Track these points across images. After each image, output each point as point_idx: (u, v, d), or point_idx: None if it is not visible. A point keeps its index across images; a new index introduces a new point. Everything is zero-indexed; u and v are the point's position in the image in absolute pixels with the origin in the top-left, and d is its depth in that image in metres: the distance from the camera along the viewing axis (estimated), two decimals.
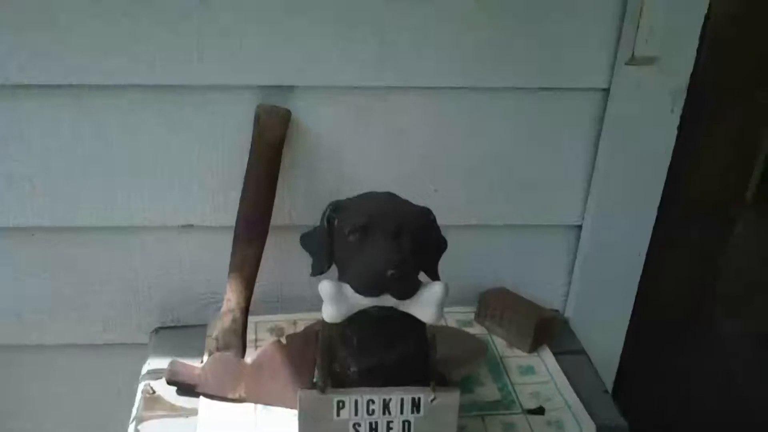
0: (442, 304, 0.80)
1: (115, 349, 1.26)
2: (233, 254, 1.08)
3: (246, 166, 1.08)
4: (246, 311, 1.08)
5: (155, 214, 1.15)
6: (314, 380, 0.96)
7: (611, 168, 1.19)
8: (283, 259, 1.18)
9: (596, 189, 1.22)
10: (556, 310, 1.32)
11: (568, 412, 1.07)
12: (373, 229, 0.80)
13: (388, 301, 0.78)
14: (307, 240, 0.89)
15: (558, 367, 1.17)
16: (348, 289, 0.78)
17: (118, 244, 1.18)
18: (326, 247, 0.84)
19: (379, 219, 0.80)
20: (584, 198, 1.24)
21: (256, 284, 1.10)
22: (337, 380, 0.87)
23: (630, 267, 1.29)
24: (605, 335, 1.34)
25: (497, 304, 1.23)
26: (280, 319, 1.23)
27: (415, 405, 0.84)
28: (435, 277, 0.87)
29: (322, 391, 0.82)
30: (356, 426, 0.84)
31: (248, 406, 1.04)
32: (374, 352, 0.85)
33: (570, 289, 1.32)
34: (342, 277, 0.83)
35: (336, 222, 0.84)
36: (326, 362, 0.85)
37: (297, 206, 1.16)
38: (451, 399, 0.84)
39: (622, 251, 1.27)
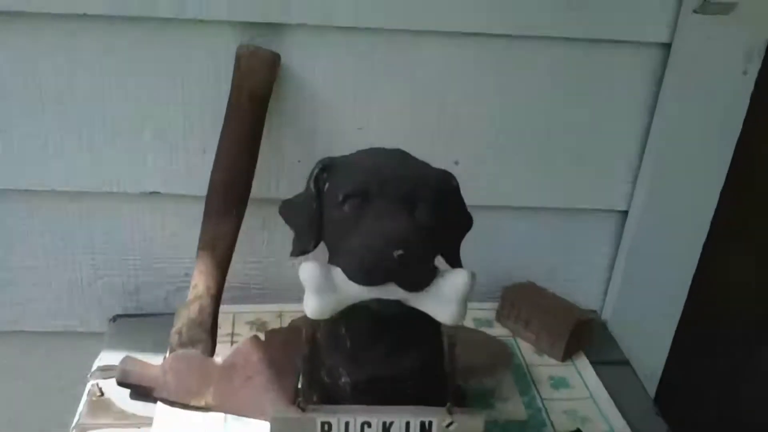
0: (466, 300, 0.59)
1: (67, 338, 1.06)
2: (203, 230, 0.88)
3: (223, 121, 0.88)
4: (217, 299, 0.87)
5: (114, 177, 0.95)
6: (298, 388, 0.76)
7: (667, 142, 0.99)
8: (267, 237, 0.98)
9: (647, 168, 1.01)
10: (594, 311, 1.11)
11: None
12: (376, 196, 0.59)
13: (393, 293, 0.58)
14: (289, 209, 0.68)
15: (598, 380, 0.96)
16: (339, 274, 0.58)
17: (68, 212, 0.98)
18: (312, 218, 0.64)
19: (384, 182, 0.60)
20: (633, 178, 1.04)
21: (234, 267, 0.90)
22: (324, 394, 0.67)
23: (682, 263, 1.09)
24: (647, 343, 1.13)
25: (524, 302, 1.02)
26: (263, 310, 1.03)
27: (426, 430, 0.63)
28: (456, 263, 0.66)
29: (303, 408, 0.62)
30: None
31: (216, 417, 0.84)
32: (373, 359, 0.65)
33: (609, 287, 1.11)
34: (332, 259, 0.63)
35: (327, 186, 0.64)
36: (311, 370, 0.64)
37: (285, 174, 0.96)
38: (473, 425, 0.64)
39: (673, 244, 1.07)
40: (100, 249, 1.01)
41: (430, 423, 0.63)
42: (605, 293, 1.12)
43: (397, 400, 0.64)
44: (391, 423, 0.63)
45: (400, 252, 0.55)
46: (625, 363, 1.02)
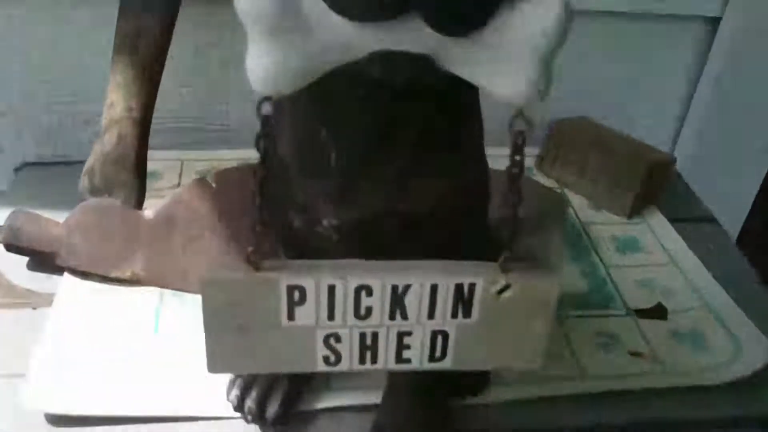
0: (552, 58, 0.31)
1: None
2: (118, 26, 0.60)
3: None
4: (143, 125, 0.60)
5: None
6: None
7: None
8: (233, 41, 0.70)
9: None
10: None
11: (708, 317, 0.62)
12: None
13: (416, 39, 0.30)
14: None
15: (680, 241, 0.71)
16: (314, 2, 0.30)
17: None
18: None
19: None
20: None
21: (183, 94, 0.62)
22: (294, 248, 0.41)
23: None
24: (726, 199, 0.86)
25: (578, 142, 0.75)
26: (226, 157, 0.76)
27: (463, 299, 0.37)
28: None
29: (256, 265, 0.36)
30: (331, 340, 0.38)
31: (146, 295, 0.59)
32: (377, 185, 0.38)
33: (685, 124, 0.83)
34: None
35: None
36: (266, 203, 0.37)
37: None
38: (541, 291, 0.38)
39: None
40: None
41: (472, 287, 0.37)
42: (678, 131, 0.85)
43: (409, 254, 0.37)
44: (406, 287, 0.37)
45: None
46: (711, 220, 0.76)
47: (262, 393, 0.48)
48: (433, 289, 0.37)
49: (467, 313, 0.38)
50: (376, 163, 0.38)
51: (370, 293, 0.37)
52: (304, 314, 0.37)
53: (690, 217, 0.75)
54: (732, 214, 0.89)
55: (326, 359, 0.39)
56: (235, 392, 0.49)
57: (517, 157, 0.33)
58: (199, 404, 0.50)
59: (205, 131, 0.78)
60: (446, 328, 0.39)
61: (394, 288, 0.37)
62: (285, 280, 0.36)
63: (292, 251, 0.45)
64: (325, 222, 0.40)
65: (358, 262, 0.37)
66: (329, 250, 0.41)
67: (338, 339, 0.39)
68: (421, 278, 0.37)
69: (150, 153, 0.75)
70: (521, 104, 0.32)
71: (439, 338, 0.39)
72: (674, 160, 0.74)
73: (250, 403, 0.48)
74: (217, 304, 0.37)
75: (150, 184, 0.71)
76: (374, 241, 0.39)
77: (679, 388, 0.55)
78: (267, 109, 0.33)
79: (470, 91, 0.34)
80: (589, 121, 0.78)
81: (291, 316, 0.37)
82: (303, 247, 0.43)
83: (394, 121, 0.36)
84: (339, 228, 0.40)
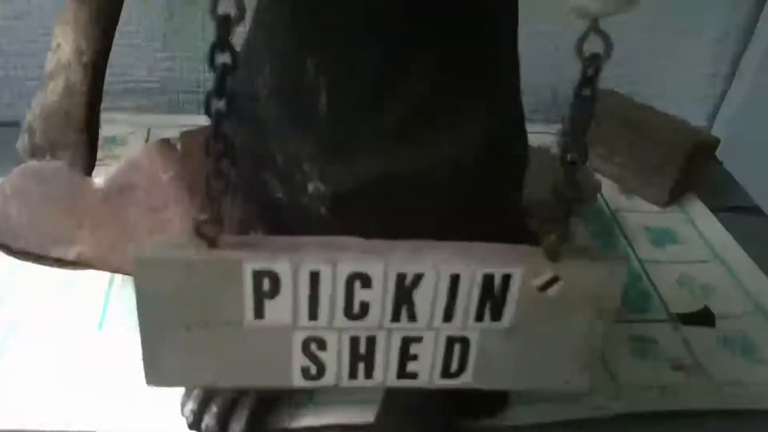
0: None
1: None
2: None
3: None
4: (97, 72, 0.50)
5: None
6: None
7: None
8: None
9: None
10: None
11: (764, 324, 0.52)
12: None
13: None
14: None
15: (726, 234, 0.61)
16: None
17: None
18: None
19: None
20: None
21: (154, 53, 0.52)
22: (276, 223, 0.32)
23: None
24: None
25: (606, 118, 0.65)
26: (200, 123, 0.65)
27: (492, 296, 0.27)
28: None
29: (211, 242, 0.26)
30: (312, 346, 0.28)
31: (92, 280, 0.49)
32: (380, 132, 0.28)
33: (725, 101, 0.74)
34: None
35: None
36: (221, 157, 0.27)
37: None
38: (606, 283, 0.28)
39: None
40: None
41: (506, 280, 0.27)
42: (716, 108, 0.75)
43: (420, 233, 0.27)
44: (417, 277, 0.27)
45: None
46: (756, 210, 0.66)
47: (225, 408, 0.39)
48: (453, 280, 0.27)
49: (497, 315, 0.28)
50: (379, 109, 0.28)
51: (367, 284, 0.27)
52: (277, 310, 0.27)
53: (732, 206, 0.65)
54: None
55: (305, 372, 0.29)
56: (191, 406, 0.39)
57: (587, 92, 0.23)
58: (146, 420, 0.40)
59: (177, 94, 0.68)
60: (467, 334, 0.29)
61: (400, 278, 0.27)
62: (251, 263, 0.26)
63: (274, 232, 0.35)
64: (311, 189, 0.30)
65: (352, 240, 0.27)
66: (318, 228, 0.31)
67: (322, 345, 0.29)
68: (436, 265, 0.27)
69: (112, 116, 0.65)
70: (597, 14, 0.22)
71: (457, 347, 0.29)
72: (718, 142, 0.64)
73: (209, 420, 0.38)
74: (155, 294, 0.27)
75: (111, 150, 0.62)
76: (374, 214, 0.29)
77: (732, 411, 0.46)
78: (224, 59, 0.23)
79: (505, 13, 0.25)
80: (619, 95, 0.68)
81: (259, 313, 0.27)
82: (287, 224, 0.33)
83: (404, 49, 0.26)
84: (329, 197, 0.30)
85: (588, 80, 0.23)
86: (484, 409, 0.42)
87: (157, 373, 0.29)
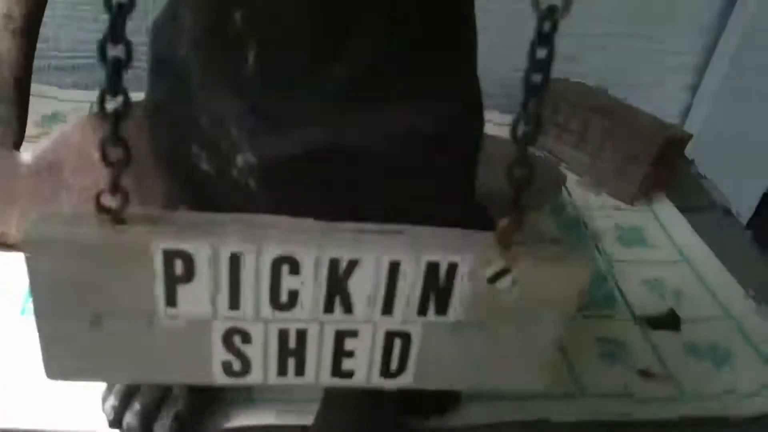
0: None
1: None
2: None
3: None
4: (28, 39, 0.46)
5: None
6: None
7: None
8: None
9: None
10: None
11: (730, 330, 0.50)
12: None
13: None
14: None
15: (695, 235, 0.59)
16: None
17: None
18: None
19: None
20: None
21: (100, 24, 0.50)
22: (202, 200, 0.28)
23: None
24: (739, 180, 0.75)
25: (574, 108, 0.63)
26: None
27: (437, 287, 0.24)
28: None
29: (115, 218, 0.22)
30: (235, 339, 0.25)
31: (17, 262, 0.44)
32: (316, 95, 0.25)
33: (697, 95, 0.72)
34: None
35: None
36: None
37: None
38: (566, 277, 0.25)
39: None
40: None
41: (453, 269, 0.24)
42: (689, 105, 0.73)
43: (358, 214, 0.24)
44: (352, 264, 0.24)
45: None
46: (725, 210, 0.64)
47: (150, 404, 0.35)
48: (393, 268, 0.24)
49: (442, 309, 0.25)
50: (317, 71, 0.25)
51: (295, 270, 0.24)
52: (193, 298, 0.24)
53: (700, 205, 0.63)
54: (742, 203, 0.77)
55: (227, 367, 0.26)
56: (112, 402, 0.35)
57: (542, 53, 0.20)
58: (64, 415, 0.36)
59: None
60: (409, 329, 0.26)
61: (333, 263, 0.24)
62: (161, 242, 0.23)
63: (198, 209, 0.31)
64: (239, 161, 0.27)
65: (280, 219, 0.24)
66: (247, 206, 0.28)
67: (246, 338, 0.26)
68: (375, 250, 0.24)
69: (55, 91, 0.62)
70: None
71: (398, 343, 0.26)
72: (690, 137, 0.62)
73: (130, 418, 0.35)
74: (51, 278, 0.23)
75: (51, 127, 0.58)
76: (309, 191, 0.26)
77: (698, 418, 0.43)
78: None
79: None
80: (587, 87, 0.66)
81: (171, 301, 0.24)
82: (213, 201, 0.29)
83: (350, 2, 0.23)
84: (258, 168, 0.27)
85: (544, 37, 0.20)
86: (433, 407, 0.39)
87: (57, 366, 0.26)
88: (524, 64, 0.20)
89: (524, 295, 0.25)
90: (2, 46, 0.45)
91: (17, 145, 0.46)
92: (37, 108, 0.59)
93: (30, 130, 0.55)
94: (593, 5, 0.66)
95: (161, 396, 0.35)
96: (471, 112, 0.29)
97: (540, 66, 0.20)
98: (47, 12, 0.51)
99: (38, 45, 0.59)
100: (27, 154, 0.45)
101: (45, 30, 0.63)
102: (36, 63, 0.60)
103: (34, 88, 0.58)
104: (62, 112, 0.60)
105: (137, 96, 0.58)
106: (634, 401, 0.43)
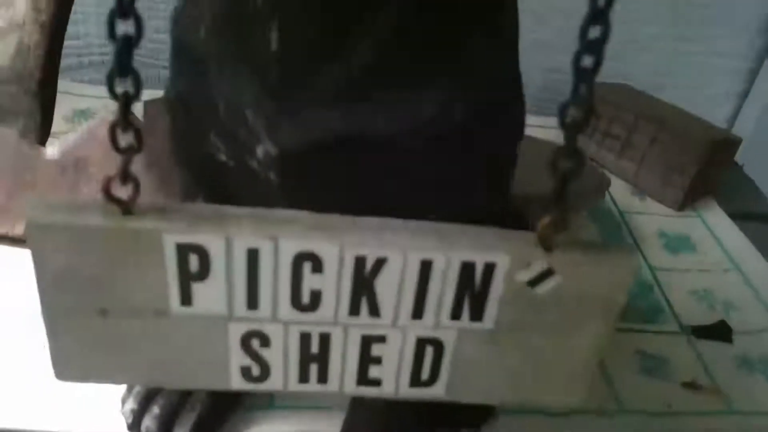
0: None
1: None
2: None
3: None
4: (56, 33, 0.45)
5: None
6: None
7: None
8: None
9: None
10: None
11: None
12: None
13: None
14: None
15: (747, 242, 0.56)
16: None
17: None
18: None
19: None
20: None
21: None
22: (222, 193, 0.26)
23: None
24: None
25: (619, 113, 0.60)
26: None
27: (472, 289, 0.22)
28: None
29: (124, 208, 0.21)
30: (253, 342, 0.23)
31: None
32: (342, 80, 0.23)
33: (747, 99, 0.69)
34: None
35: None
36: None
37: None
38: (610, 279, 0.23)
39: None
40: None
41: (489, 270, 0.22)
42: (738, 109, 0.70)
43: (388, 209, 0.22)
44: (380, 262, 0.22)
45: None
46: None
47: (169, 408, 0.34)
48: (424, 267, 0.22)
49: (477, 313, 0.23)
50: (343, 51, 0.23)
51: (318, 268, 0.22)
52: (208, 296, 0.23)
53: (750, 212, 0.60)
54: None
55: (246, 372, 0.24)
56: (131, 405, 0.34)
57: (595, 32, 0.18)
58: (83, 418, 0.35)
59: (156, 67, 0.63)
60: (440, 336, 0.24)
61: (359, 262, 0.22)
62: (174, 235, 0.21)
63: (216, 202, 0.30)
64: (259, 152, 0.25)
65: (301, 214, 0.22)
66: (267, 200, 0.26)
67: (265, 341, 0.24)
68: (404, 248, 0.22)
69: (87, 88, 0.61)
70: None
71: (429, 351, 0.24)
72: (740, 141, 0.59)
73: (149, 421, 0.33)
74: (59, 270, 0.22)
75: (78, 124, 0.57)
76: (333, 184, 0.24)
77: None
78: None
79: None
80: (632, 89, 0.63)
81: (186, 299, 0.23)
82: (232, 193, 0.28)
83: None
84: (278, 160, 0.25)
85: (598, 14, 0.18)
86: (466, 419, 0.36)
87: (67, 367, 0.24)
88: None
89: (565, 300, 0.23)
90: (30, 39, 0.44)
91: (43, 140, 0.45)
92: (68, 104, 0.59)
93: (60, 126, 0.54)
94: (640, 3, 0.63)
95: (181, 400, 0.34)
96: (511, 96, 0.27)
97: (592, 47, 0.18)
98: (78, 8, 0.50)
99: (70, 42, 0.59)
100: (53, 148, 0.45)
101: (77, 27, 0.62)
102: (68, 60, 0.59)
103: (66, 84, 0.58)
104: (93, 109, 0.59)
105: (153, 94, 0.56)
106: (678, 415, 0.41)
